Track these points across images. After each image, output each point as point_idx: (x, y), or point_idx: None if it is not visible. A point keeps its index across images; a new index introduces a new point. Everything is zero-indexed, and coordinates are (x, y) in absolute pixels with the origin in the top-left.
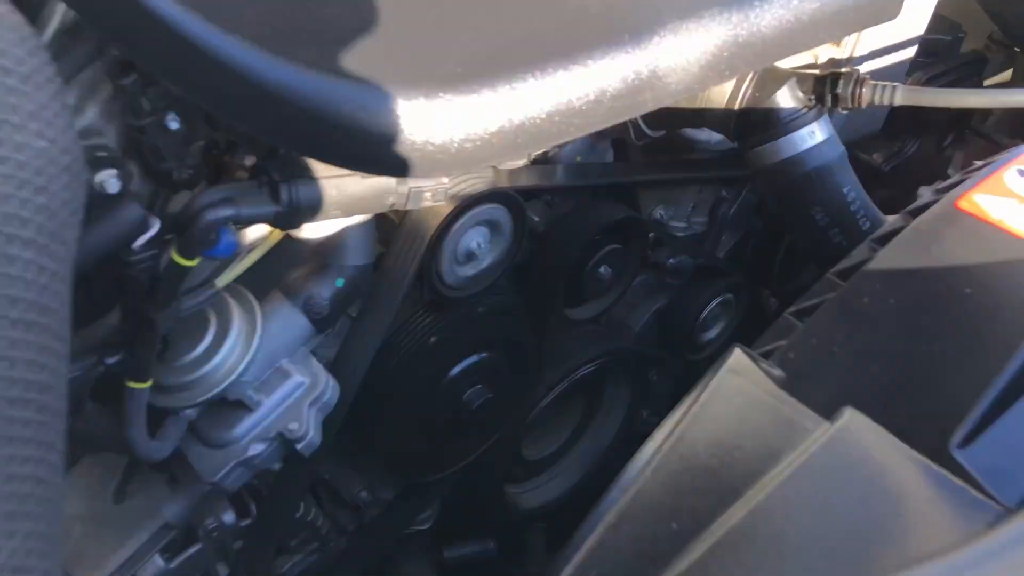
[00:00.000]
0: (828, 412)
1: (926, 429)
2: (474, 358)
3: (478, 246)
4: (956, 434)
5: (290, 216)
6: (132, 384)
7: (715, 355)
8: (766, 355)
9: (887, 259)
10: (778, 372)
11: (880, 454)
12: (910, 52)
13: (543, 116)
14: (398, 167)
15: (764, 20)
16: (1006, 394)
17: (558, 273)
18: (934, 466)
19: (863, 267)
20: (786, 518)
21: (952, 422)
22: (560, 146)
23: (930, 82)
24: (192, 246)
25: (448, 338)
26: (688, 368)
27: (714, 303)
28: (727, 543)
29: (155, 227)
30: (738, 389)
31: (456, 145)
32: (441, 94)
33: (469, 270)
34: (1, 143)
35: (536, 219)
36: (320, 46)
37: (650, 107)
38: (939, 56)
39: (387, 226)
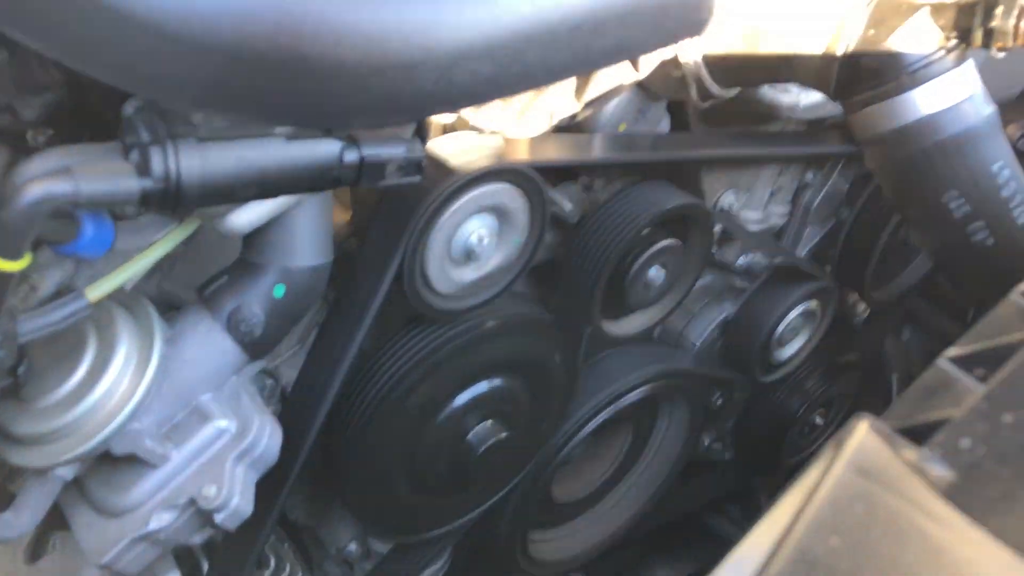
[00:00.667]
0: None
1: None
2: (481, 387)
3: (480, 241)
4: None
5: (171, 196)
6: None
7: (792, 381)
8: (918, 433)
9: None
10: (944, 471)
11: None
12: None
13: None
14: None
15: None
16: None
17: (595, 277)
18: None
19: None
20: None
21: None
22: (596, 108)
23: None
24: (10, 240)
25: (444, 362)
26: (758, 390)
27: (794, 313)
28: None
29: None
30: (871, 505)
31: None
32: None
33: (469, 273)
34: None
35: (568, 206)
36: None
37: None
38: None
39: (362, 211)
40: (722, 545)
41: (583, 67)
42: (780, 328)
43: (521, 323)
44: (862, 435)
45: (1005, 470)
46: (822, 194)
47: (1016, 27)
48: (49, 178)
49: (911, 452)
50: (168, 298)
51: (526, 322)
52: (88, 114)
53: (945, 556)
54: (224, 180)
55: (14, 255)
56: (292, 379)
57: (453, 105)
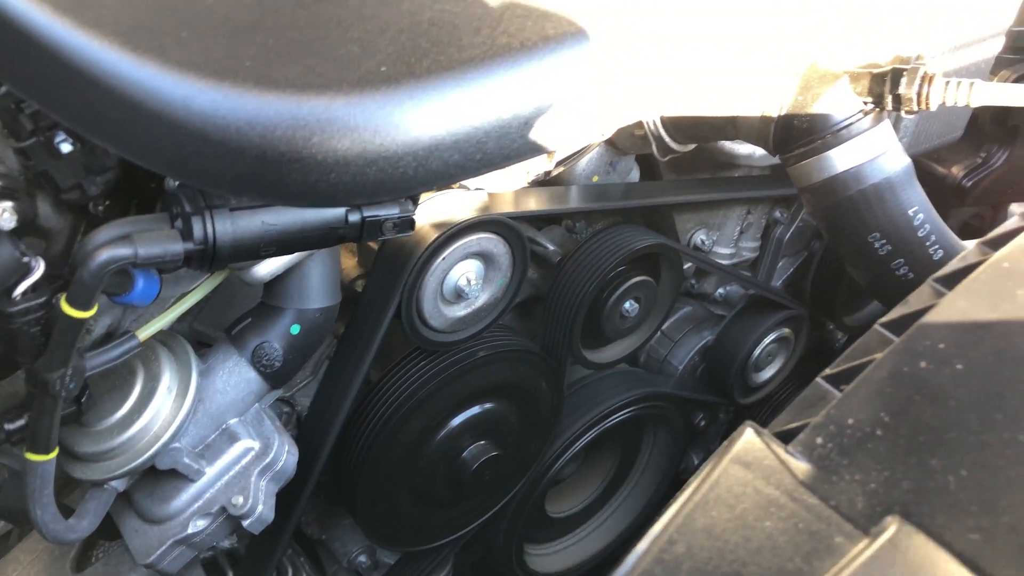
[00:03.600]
0: (868, 522)
1: (1008, 557)
2: (475, 410)
3: (468, 282)
4: None
5: (208, 256)
6: (32, 456)
7: (771, 402)
8: (790, 435)
9: (955, 307)
10: (803, 463)
11: None
12: (995, 47)
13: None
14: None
15: None
16: None
17: (574, 310)
18: None
19: (922, 317)
20: None
21: None
22: (570, 164)
23: (1019, 81)
24: (83, 294)
25: (441, 388)
26: (740, 412)
27: (769, 339)
28: None
29: (37, 271)
30: (747, 486)
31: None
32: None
33: (459, 310)
34: None
35: (551, 247)
36: (188, 44)
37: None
38: None
39: (366, 257)
40: None
41: (535, 152)
42: (756, 353)
43: (509, 352)
44: (746, 437)
45: (845, 460)
46: (792, 229)
47: (919, 94)
48: (113, 244)
49: (780, 449)
50: (199, 336)
51: (513, 351)
52: (137, 188)
53: (796, 523)
54: (251, 242)
55: (85, 306)
56: (306, 406)
57: (430, 185)
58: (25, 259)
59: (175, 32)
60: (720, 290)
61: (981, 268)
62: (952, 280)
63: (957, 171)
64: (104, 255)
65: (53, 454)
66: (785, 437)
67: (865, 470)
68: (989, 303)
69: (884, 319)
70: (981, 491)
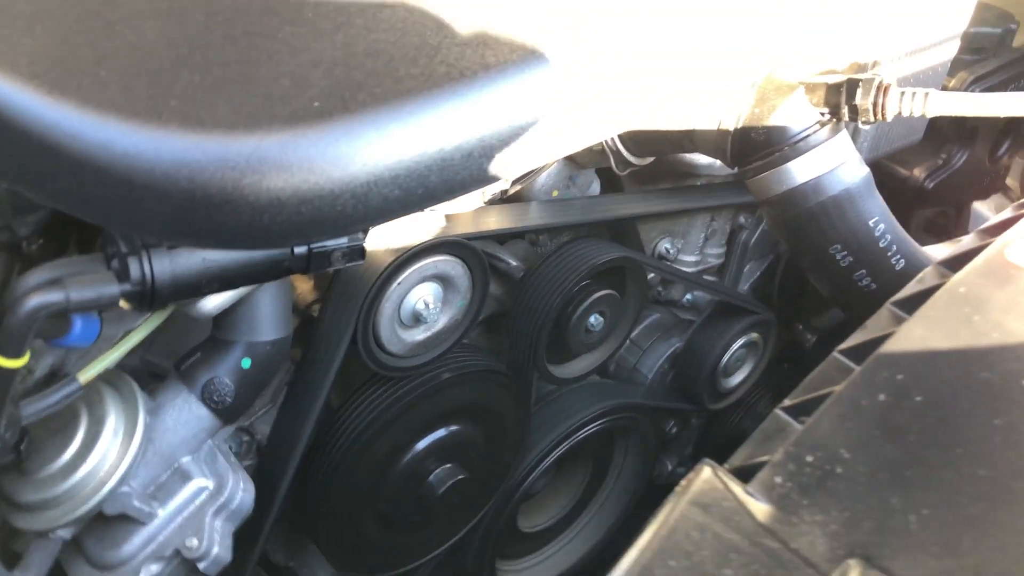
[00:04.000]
0: (830, 566)
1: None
2: (440, 433)
3: (427, 307)
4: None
5: (147, 296)
6: None
7: (742, 407)
8: (749, 472)
9: (913, 335)
10: (762, 504)
11: None
12: (951, 49)
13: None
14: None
15: None
16: None
17: (538, 326)
18: None
19: (881, 346)
20: None
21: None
22: (528, 181)
23: (977, 83)
24: (13, 343)
25: (404, 412)
26: (711, 418)
27: (738, 344)
28: None
29: None
30: (705, 531)
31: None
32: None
33: (418, 334)
34: None
35: (512, 263)
36: (109, 84)
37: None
38: (987, 52)
39: (323, 278)
40: None
41: (481, 184)
42: (725, 359)
43: (472, 373)
44: (704, 476)
45: (805, 500)
46: (757, 234)
47: (875, 104)
48: (44, 289)
49: (739, 489)
50: (152, 368)
51: (477, 371)
52: (75, 224)
53: (759, 570)
54: (192, 279)
55: (16, 354)
56: (266, 434)
57: (371, 222)
58: None
59: (94, 71)
60: (688, 296)
61: (938, 293)
62: (910, 304)
63: (919, 173)
64: (33, 302)
65: None
66: (744, 473)
67: (825, 510)
68: (946, 331)
69: (843, 346)
70: (942, 531)
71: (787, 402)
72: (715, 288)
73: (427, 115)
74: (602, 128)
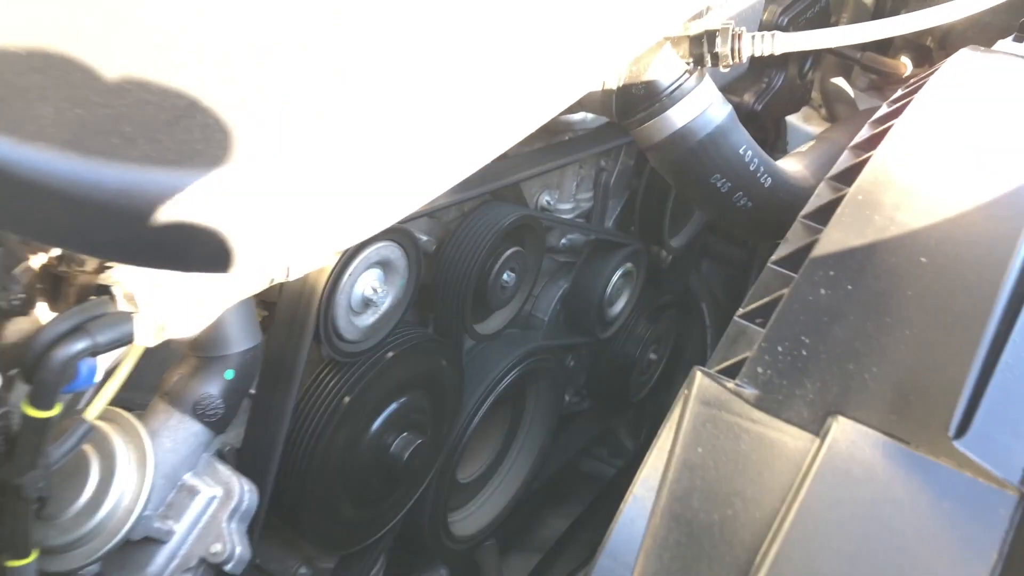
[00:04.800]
0: (816, 425)
1: (919, 424)
2: (393, 406)
3: (375, 292)
4: (951, 424)
5: (161, 331)
6: (12, 563)
7: (627, 330)
8: (731, 371)
9: (833, 239)
10: (751, 391)
11: (881, 462)
12: None
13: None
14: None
15: None
16: (985, 369)
17: (461, 292)
18: (942, 464)
19: (810, 254)
20: (808, 564)
21: (943, 412)
22: None
23: (784, 13)
24: (46, 394)
25: (362, 394)
26: (601, 345)
27: (616, 275)
28: None
29: None
30: (715, 422)
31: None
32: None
33: (369, 318)
34: None
35: (424, 238)
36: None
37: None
38: None
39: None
40: (599, 483)
41: None
42: (608, 290)
43: (411, 346)
44: (698, 380)
45: (784, 380)
46: (615, 174)
47: (732, 50)
48: (70, 338)
49: (730, 384)
50: (124, 404)
51: (415, 344)
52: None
53: (762, 440)
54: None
55: (49, 405)
56: (233, 442)
57: None
58: None
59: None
60: (564, 240)
61: (844, 203)
62: (819, 216)
63: (749, 98)
64: (63, 352)
65: (32, 556)
66: (730, 372)
67: (802, 385)
68: (857, 231)
69: (774, 258)
70: (890, 381)
71: (741, 311)
72: (591, 227)
73: None
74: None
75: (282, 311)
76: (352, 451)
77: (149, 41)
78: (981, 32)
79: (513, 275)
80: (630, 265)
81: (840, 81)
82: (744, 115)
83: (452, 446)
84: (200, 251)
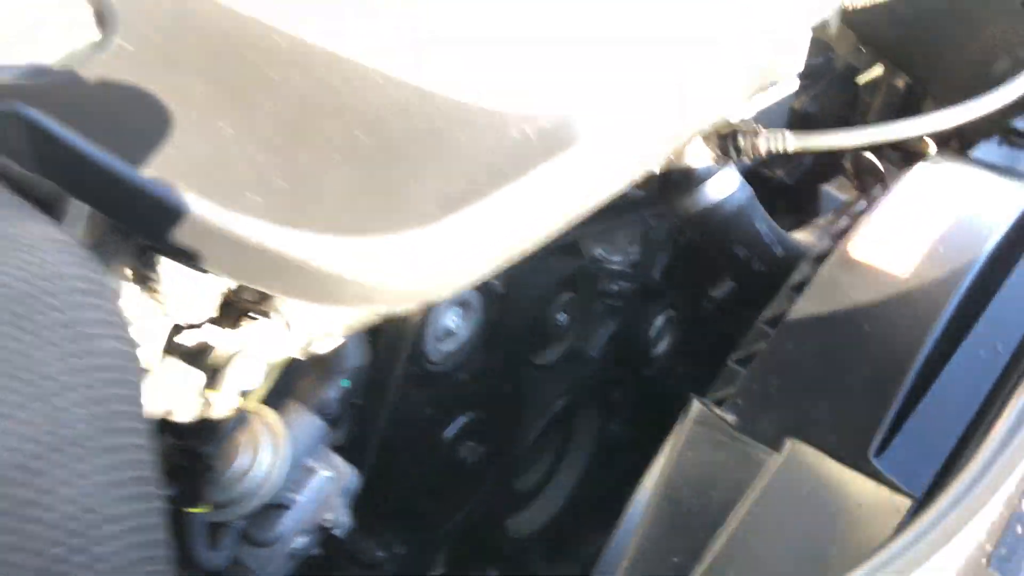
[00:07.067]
0: (776, 444)
1: (850, 445)
2: (463, 419)
3: (454, 324)
4: (872, 445)
5: (307, 347)
6: (192, 510)
7: (668, 370)
8: (720, 402)
9: (802, 309)
10: (732, 417)
11: (819, 473)
12: (793, 86)
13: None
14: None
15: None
16: (905, 405)
17: (522, 329)
18: (860, 476)
19: (785, 318)
20: (756, 539)
21: (868, 435)
22: None
23: (813, 100)
24: (229, 389)
25: (440, 408)
26: (645, 382)
27: (659, 320)
28: (715, 568)
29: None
30: (704, 436)
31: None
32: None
33: (449, 345)
34: (99, 353)
35: (495, 282)
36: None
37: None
38: (813, 77)
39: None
40: None
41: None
42: (652, 332)
43: (481, 371)
44: (695, 406)
45: (756, 408)
46: (661, 231)
47: (752, 146)
48: (248, 349)
49: (717, 410)
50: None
51: (484, 369)
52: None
53: (736, 452)
54: (339, 329)
55: (231, 398)
56: (343, 437)
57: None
58: None
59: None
60: (613, 286)
61: (813, 282)
62: (799, 288)
63: (782, 173)
64: (243, 359)
65: (205, 508)
66: (719, 401)
67: (769, 413)
68: (820, 304)
69: (762, 318)
70: (834, 412)
71: (734, 356)
72: (638, 277)
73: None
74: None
75: (383, 336)
76: (429, 454)
77: (349, 126)
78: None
79: (566, 316)
80: (672, 311)
81: (870, 155)
82: (778, 187)
83: (510, 457)
84: (358, 293)
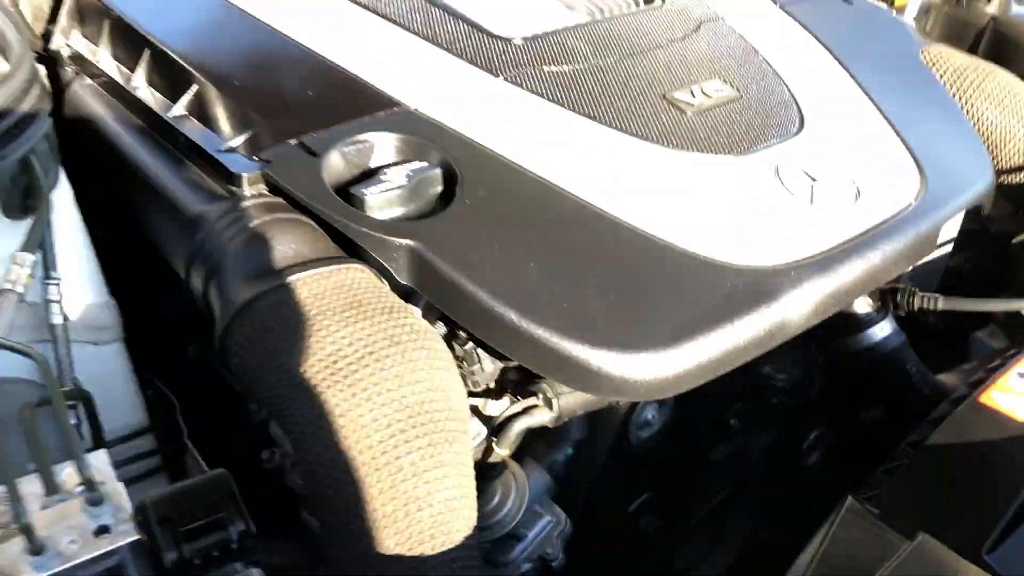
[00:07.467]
0: (912, 535)
1: (969, 542)
2: (645, 496)
3: (652, 416)
4: (986, 544)
5: (557, 420)
6: None
7: (818, 480)
8: (868, 499)
9: (939, 438)
10: (877, 511)
11: (942, 561)
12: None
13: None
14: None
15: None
16: (1016, 514)
17: (703, 427)
18: (974, 567)
19: (924, 443)
20: None
21: (983, 536)
22: None
23: (967, 261)
24: (506, 442)
25: (630, 483)
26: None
27: (812, 434)
28: None
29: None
30: (854, 521)
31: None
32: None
33: (646, 433)
34: None
35: None
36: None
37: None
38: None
39: None
40: None
41: None
42: (804, 445)
43: (664, 455)
44: (848, 502)
45: (899, 509)
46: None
47: (908, 303)
48: (524, 415)
49: (862, 504)
50: None
51: (666, 455)
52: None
53: (873, 536)
54: (576, 409)
55: (508, 448)
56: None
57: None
58: None
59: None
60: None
61: (947, 421)
62: (937, 422)
63: (933, 318)
64: (519, 423)
65: None
66: (868, 499)
67: (907, 512)
68: (954, 435)
69: (907, 441)
70: (959, 513)
71: (881, 468)
72: (804, 397)
73: None
74: None
75: (599, 419)
76: (616, 518)
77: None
78: None
79: (738, 422)
80: (824, 428)
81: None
82: (930, 331)
83: (680, 534)
84: (612, 386)
